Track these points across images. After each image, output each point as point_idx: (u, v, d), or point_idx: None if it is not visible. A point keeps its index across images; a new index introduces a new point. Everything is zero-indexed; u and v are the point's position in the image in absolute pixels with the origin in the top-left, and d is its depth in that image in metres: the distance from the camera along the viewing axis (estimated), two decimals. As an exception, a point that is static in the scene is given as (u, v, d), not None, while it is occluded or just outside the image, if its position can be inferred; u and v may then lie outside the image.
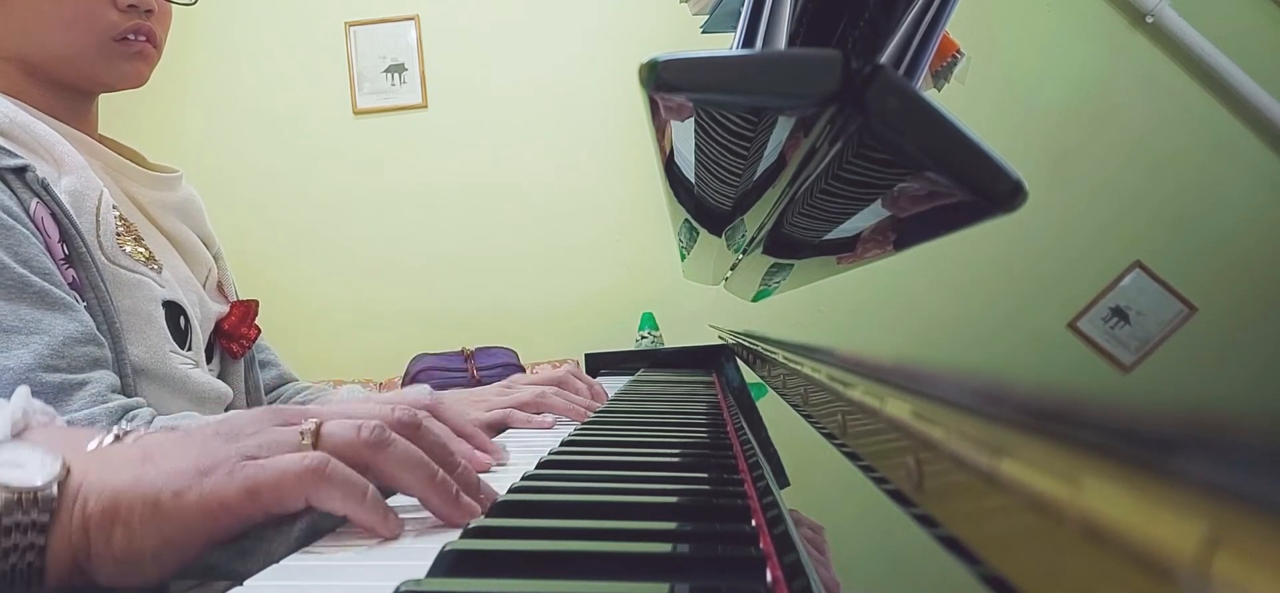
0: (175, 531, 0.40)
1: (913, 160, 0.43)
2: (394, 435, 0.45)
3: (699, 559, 0.39)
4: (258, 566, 0.64)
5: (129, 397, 0.77)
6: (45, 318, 0.72)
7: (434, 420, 0.52)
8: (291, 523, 0.66)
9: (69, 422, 0.70)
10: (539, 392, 0.92)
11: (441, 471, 0.46)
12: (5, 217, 0.74)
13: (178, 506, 0.40)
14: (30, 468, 0.40)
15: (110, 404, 0.73)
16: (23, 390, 0.47)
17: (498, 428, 0.87)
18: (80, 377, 0.72)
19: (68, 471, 0.41)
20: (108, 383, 0.74)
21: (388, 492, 0.47)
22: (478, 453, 0.64)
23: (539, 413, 0.90)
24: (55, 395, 0.70)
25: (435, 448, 0.47)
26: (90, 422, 0.70)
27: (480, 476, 0.51)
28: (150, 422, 0.73)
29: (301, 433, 0.44)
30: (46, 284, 0.74)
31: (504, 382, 0.97)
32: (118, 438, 0.53)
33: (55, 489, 0.40)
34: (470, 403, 0.90)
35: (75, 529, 0.40)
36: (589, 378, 1.05)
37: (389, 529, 0.44)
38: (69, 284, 0.76)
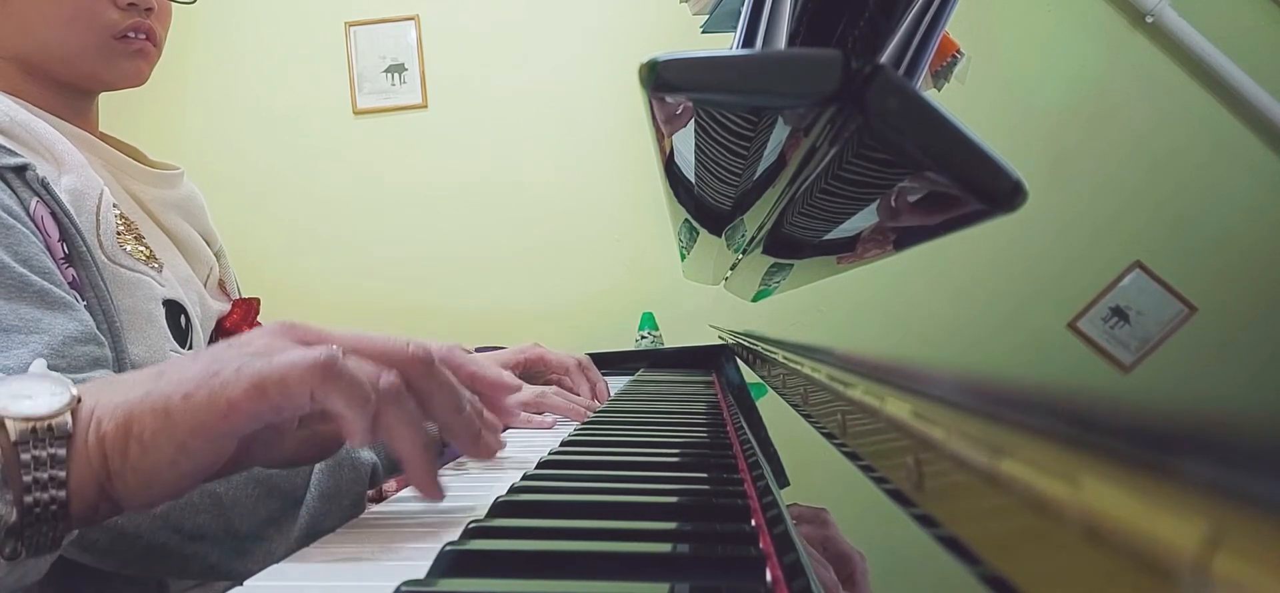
0: (188, 434, 0.40)
1: (913, 160, 0.43)
2: (416, 371, 0.44)
3: (699, 559, 0.39)
4: (257, 565, 0.64)
5: None
6: (45, 317, 0.72)
7: (446, 370, 0.49)
8: (292, 523, 0.66)
9: None
10: (539, 392, 0.92)
11: (465, 407, 0.46)
12: (5, 216, 0.73)
13: (187, 407, 0.40)
14: (39, 399, 0.40)
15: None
16: (40, 361, 0.47)
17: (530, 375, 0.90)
18: (80, 376, 0.72)
19: (78, 399, 0.41)
20: None
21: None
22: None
23: (540, 412, 0.90)
24: None
25: (447, 387, 0.46)
26: None
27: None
28: None
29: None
30: (46, 284, 0.74)
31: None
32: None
33: (68, 418, 0.40)
34: None
35: (92, 453, 0.40)
36: (596, 372, 1.06)
37: (410, 428, 0.42)
38: (69, 283, 0.76)
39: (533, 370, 1.03)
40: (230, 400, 0.40)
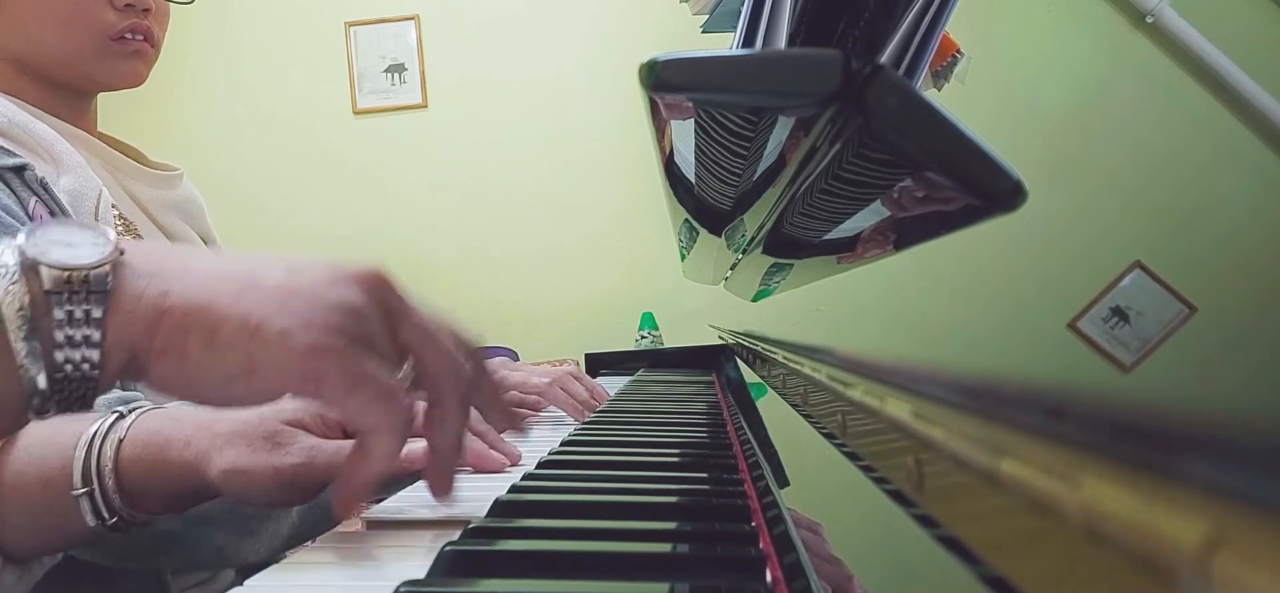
0: (262, 363, 0.36)
1: (913, 160, 0.43)
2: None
3: (699, 559, 0.39)
4: (265, 547, 0.64)
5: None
6: None
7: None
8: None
9: (64, 420, 0.70)
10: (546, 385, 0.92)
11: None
12: (4, 215, 0.74)
13: (276, 341, 0.36)
14: (81, 248, 0.36)
15: (108, 396, 0.73)
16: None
17: None
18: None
19: (122, 252, 0.37)
20: None
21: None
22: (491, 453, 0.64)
23: (536, 410, 0.90)
24: None
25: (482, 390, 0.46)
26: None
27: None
28: None
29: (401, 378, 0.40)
30: None
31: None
32: (121, 416, 0.54)
33: (109, 271, 0.36)
34: None
35: (140, 322, 0.36)
36: (589, 379, 1.05)
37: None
38: (68, 283, 0.76)
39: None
40: (318, 374, 0.36)
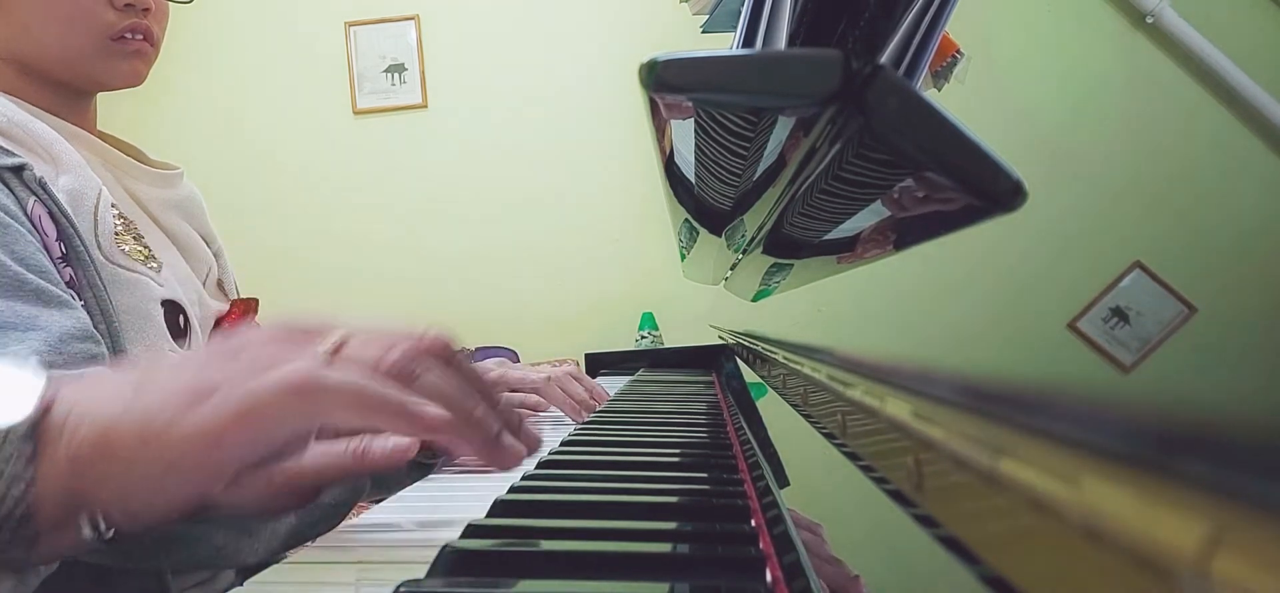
0: (168, 466, 0.36)
1: (913, 160, 0.43)
2: (427, 363, 0.39)
3: (699, 559, 0.39)
4: (263, 546, 0.64)
5: None
6: (42, 314, 0.72)
7: (466, 363, 0.43)
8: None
9: None
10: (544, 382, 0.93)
11: (481, 405, 0.40)
12: (2, 215, 0.74)
13: (170, 437, 0.36)
14: (5, 403, 0.36)
15: None
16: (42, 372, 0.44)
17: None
18: (77, 373, 0.72)
19: (48, 405, 0.37)
20: None
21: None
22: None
23: (536, 409, 0.91)
24: None
25: (472, 379, 0.41)
26: None
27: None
28: None
29: (319, 353, 0.38)
30: (43, 282, 0.74)
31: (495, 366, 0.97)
32: None
33: (34, 421, 0.36)
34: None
35: (63, 465, 0.36)
36: (588, 379, 1.05)
37: (414, 426, 0.37)
38: (66, 283, 0.76)
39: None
40: (215, 435, 0.36)
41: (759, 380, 1.04)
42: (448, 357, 0.41)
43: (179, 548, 0.62)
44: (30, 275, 0.73)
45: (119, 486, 0.37)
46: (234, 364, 0.38)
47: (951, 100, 0.75)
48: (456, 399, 0.39)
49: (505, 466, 0.39)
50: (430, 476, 0.70)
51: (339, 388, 0.36)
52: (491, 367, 0.94)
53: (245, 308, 1.01)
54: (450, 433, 0.39)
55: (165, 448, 0.36)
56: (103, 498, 0.37)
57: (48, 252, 0.76)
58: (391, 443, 0.38)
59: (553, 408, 0.98)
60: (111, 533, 0.50)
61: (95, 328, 0.77)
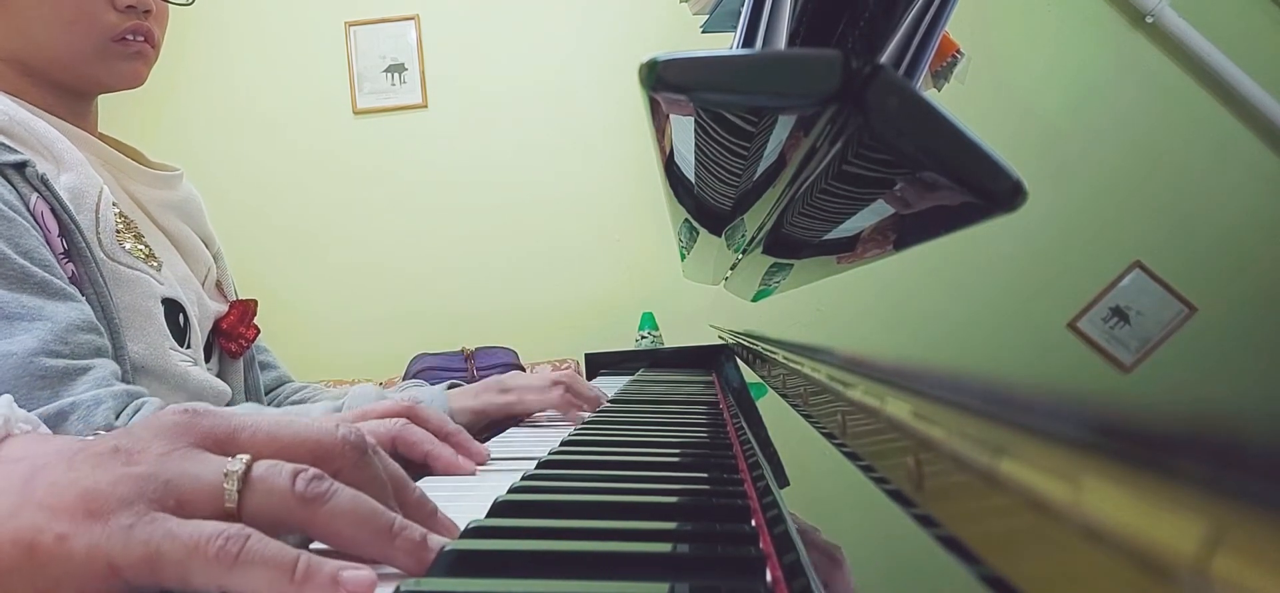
0: (52, 585, 0.33)
1: (913, 160, 0.43)
2: (334, 487, 0.37)
3: (699, 559, 0.39)
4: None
5: None
6: (48, 305, 0.73)
7: (382, 456, 0.42)
8: None
9: (73, 404, 0.70)
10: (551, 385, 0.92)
11: (397, 518, 0.38)
12: (6, 209, 0.74)
13: (57, 554, 0.33)
14: None
15: (114, 388, 0.73)
16: (5, 399, 0.41)
17: (509, 418, 0.87)
18: (83, 363, 0.73)
19: None
20: (110, 370, 0.75)
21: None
22: (460, 458, 0.63)
23: (544, 409, 0.90)
24: (59, 380, 0.71)
25: (379, 484, 0.40)
26: (95, 403, 0.70)
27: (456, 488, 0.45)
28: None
29: (226, 474, 0.36)
30: (47, 275, 0.74)
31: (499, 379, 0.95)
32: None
33: None
34: (483, 389, 0.89)
35: None
36: (588, 385, 1.04)
37: (333, 588, 0.34)
38: (68, 279, 0.77)
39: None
40: (112, 565, 0.33)
41: (759, 380, 1.04)
42: (359, 457, 0.39)
43: None
44: (34, 268, 0.73)
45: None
46: (136, 472, 0.35)
47: (951, 100, 0.75)
48: (369, 518, 0.37)
49: (425, 564, 0.37)
50: (429, 477, 0.70)
51: (269, 561, 0.33)
52: (494, 381, 0.92)
53: (244, 310, 1.01)
54: (372, 557, 0.37)
55: (51, 563, 0.33)
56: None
57: (50, 247, 0.76)
58: None
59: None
60: None
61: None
